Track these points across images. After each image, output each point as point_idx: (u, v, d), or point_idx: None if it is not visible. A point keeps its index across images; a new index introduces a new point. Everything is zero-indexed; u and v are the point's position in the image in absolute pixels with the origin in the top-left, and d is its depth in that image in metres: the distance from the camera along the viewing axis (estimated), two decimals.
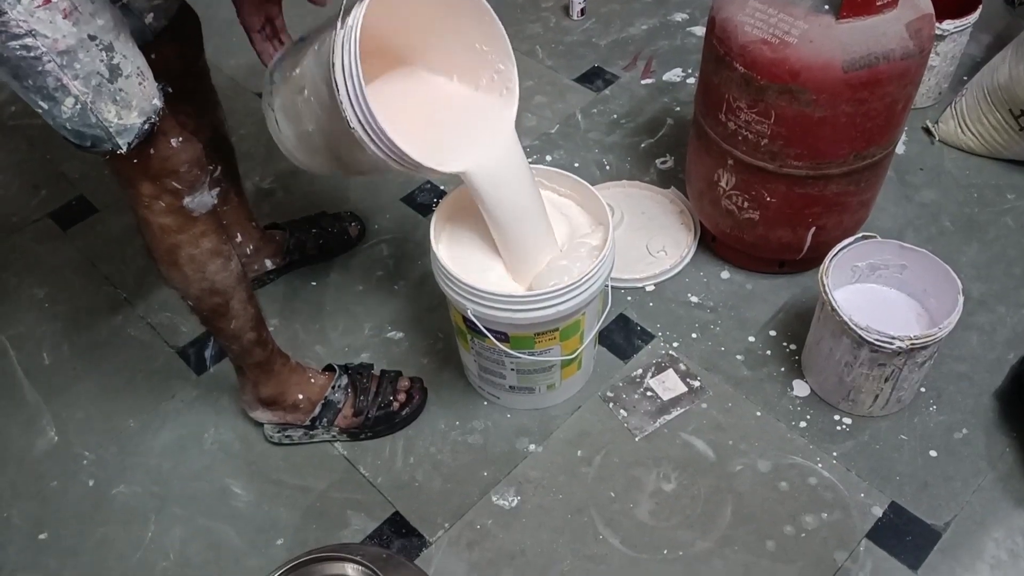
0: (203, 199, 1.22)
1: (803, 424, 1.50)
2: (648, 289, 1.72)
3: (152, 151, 1.12)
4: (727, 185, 1.57)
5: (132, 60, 1.05)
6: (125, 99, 1.05)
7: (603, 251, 1.33)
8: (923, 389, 1.52)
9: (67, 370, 1.67)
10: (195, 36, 1.44)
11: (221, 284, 1.28)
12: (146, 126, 1.08)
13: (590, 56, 2.28)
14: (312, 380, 1.49)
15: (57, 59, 0.97)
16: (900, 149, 1.94)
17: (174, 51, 1.36)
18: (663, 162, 1.97)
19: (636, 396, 1.55)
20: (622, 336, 1.65)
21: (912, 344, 1.32)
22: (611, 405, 1.54)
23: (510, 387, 1.48)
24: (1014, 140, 1.84)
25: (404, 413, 1.52)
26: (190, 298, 1.29)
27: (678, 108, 2.10)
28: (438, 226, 1.38)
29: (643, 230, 1.81)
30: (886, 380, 1.41)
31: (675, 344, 1.63)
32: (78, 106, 1.02)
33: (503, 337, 1.36)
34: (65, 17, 0.96)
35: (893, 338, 1.32)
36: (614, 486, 1.44)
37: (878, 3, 1.30)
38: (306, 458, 1.50)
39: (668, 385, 1.57)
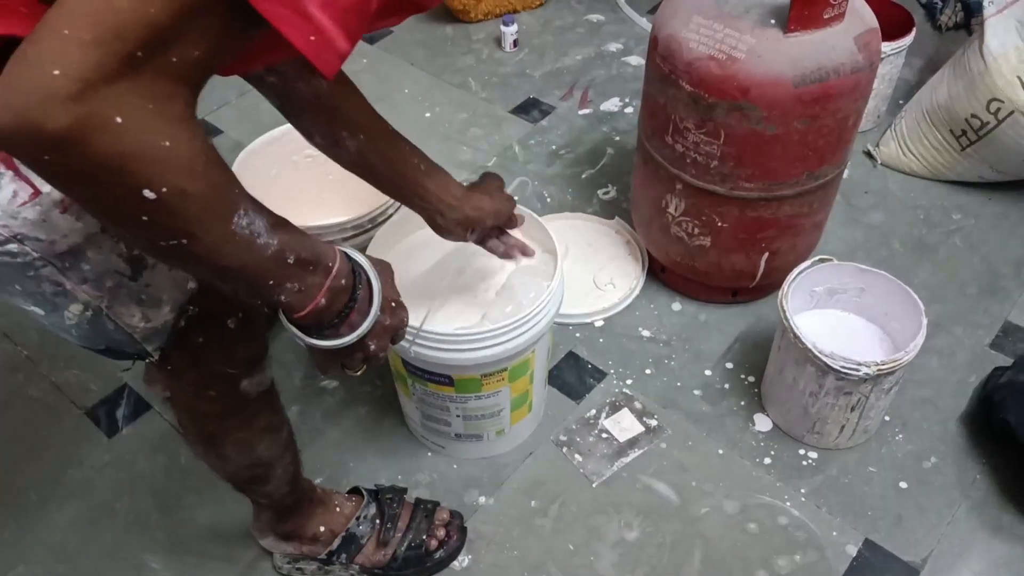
0: (263, 378, 0.98)
1: (768, 460, 1.41)
2: (597, 324, 1.63)
3: (201, 339, 0.87)
4: (676, 211, 1.49)
5: None
6: (153, 296, 0.81)
7: (553, 281, 1.23)
8: (887, 417, 1.46)
9: None
10: None
11: (267, 457, 1.07)
12: (182, 322, 0.84)
13: (525, 87, 2.21)
14: (337, 509, 1.26)
15: (57, 262, 0.74)
16: (844, 173, 1.91)
17: None
18: (605, 192, 1.90)
19: (591, 439, 1.45)
20: (573, 375, 1.55)
21: (879, 370, 1.25)
22: (565, 450, 1.43)
23: (456, 435, 1.37)
24: (956, 160, 1.82)
25: (438, 556, 1.28)
26: (222, 473, 1.09)
27: (618, 137, 2.04)
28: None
29: (589, 263, 1.73)
30: (852, 409, 1.33)
31: (629, 381, 1.54)
32: (88, 312, 0.78)
33: (447, 381, 1.25)
34: (64, 211, 0.71)
35: (860, 364, 1.25)
36: (573, 538, 1.33)
37: (825, 16, 1.25)
38: (233, 526, 1.35)
39: (624, 425, 1.47)
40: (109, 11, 0.50)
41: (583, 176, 1.95)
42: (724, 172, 1.38)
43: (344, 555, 1.24)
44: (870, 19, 1.34)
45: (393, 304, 0.82)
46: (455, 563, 1.30)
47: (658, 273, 1.70)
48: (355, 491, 1.31)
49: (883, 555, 1.30)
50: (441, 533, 1.29)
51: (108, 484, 1.42)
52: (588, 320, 1.63)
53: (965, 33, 2.26)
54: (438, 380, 1.25)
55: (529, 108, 2.14)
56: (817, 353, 1.27)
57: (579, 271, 1.71)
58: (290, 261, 0.69)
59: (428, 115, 2.13)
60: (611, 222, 1.81)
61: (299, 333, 0.76)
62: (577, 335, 1.62)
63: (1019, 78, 1.66)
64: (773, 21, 1.27)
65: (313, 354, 0.79)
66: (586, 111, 2.13)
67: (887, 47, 1.81)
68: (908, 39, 1.86)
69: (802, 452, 1.42)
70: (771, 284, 1.58)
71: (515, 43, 2.33)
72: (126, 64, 0.52)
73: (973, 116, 1.74)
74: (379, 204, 1.45)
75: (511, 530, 1.34)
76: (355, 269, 0.77)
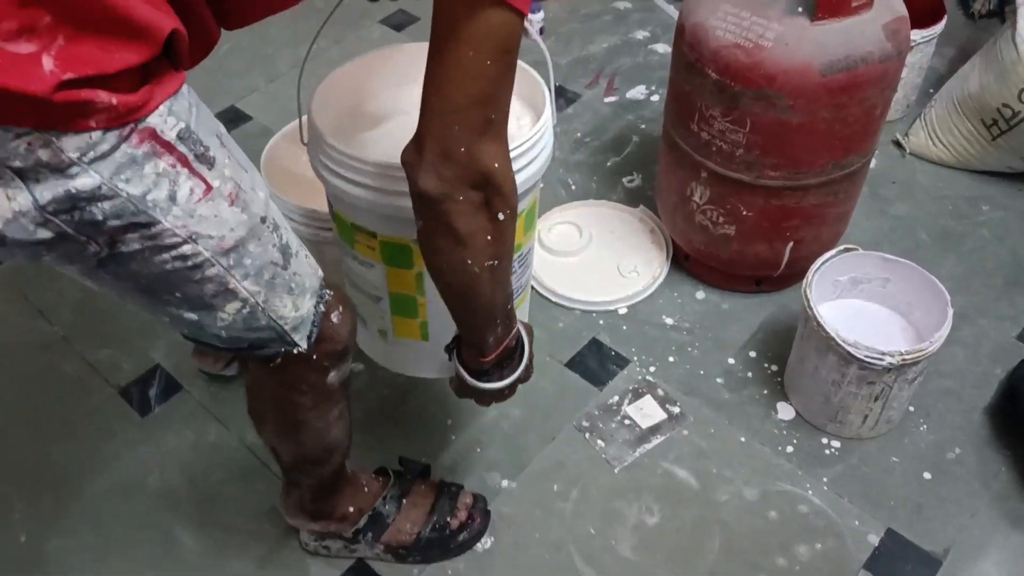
0: (345, 370, 1.03)
1: (790, 448, 1.42)
2: (621, 312, 1.64)
3: (312, 335, 0.94)
4: (701, 199, 1.50)
5: (288, 227, 0.87)
6: (299, 284, 0.87)
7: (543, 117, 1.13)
8: (911, 408, 1.46)
9: None
10: None
11: (335, 442, 1.12)
12: (320, 306, 0.92)
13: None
14: (365, 488, 1.28)
15: (223, 261, 0.77)
16: (871, 163, 1.90)
17: None
18: (630, 180, 1.90)
19: (613, 425, 1.46)
20: (595, 361, 1.56)
21: (903, 360, 1.25)
22: (587, 435, 1.45)
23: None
24: (986, 150, 1.81)
25: (461, 538, 1.30)
26: (289, 458, 1.13)
27: (643, 125, 2.04)
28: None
29: (613, 250, 1.74)
30: (875, 399, 1.34)
31: (652, 368, 1.54)
32: (245, 310, 0.83)
33: (331, 210, 1.18)
34: (231, 204, 0.76)
35: (883, 354, 1.25)
36: (593, 521, 1.34)
37: (854, 4, 1.25)
38: (260, 503, 1.38)
39: (646, 412, 1.48)
40: (478, 99, 0.74)
41: (608, 164, 1.95)
42: (749, 160, 1.38)
43: (370, 533, 1.27)
44: (899, 7, 1.33)
45: (524, 376, 1.05)
46: (478, 545, 1.32)
47: (682, 261, 1.70)
48: (381, 471, 1.33)
49: (904, 545, 1.30)
50: (464, 515, 1.30)
51: (139, 460, 1.45)
52: (611, 307, 1.64)
53: (999, 21, 2.23)
54: (330, 207, 1.18)
55: (555, 96, 2.14)
56: (840, 342, 1.27)
57: (603, 258, 1.72)
58: (508, 308, 0.95)
59: None
60: (635, 210, 1.81)
61: (465, 374, 1.02)
62: (600, 322, 1.63)
63: None
64: (800, 9, 1.27)
65: (463, 387, 1.05)
66: (612, 99, 2.13)
67: (917, 35, 1.79)
68: (939, 27, 1.85)
69: (824, 441, 1.43)
70: (795, 274, 1.58)
71: (541, 31, 2.33)
72: (491, 127, 0.76)
73: (1004, 106, 1.72)
74: None
75: (532, 512, 1.35)
76: (520, 339, 1.02)
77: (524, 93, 1.23)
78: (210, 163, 0.73)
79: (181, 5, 0.70)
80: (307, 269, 0.89)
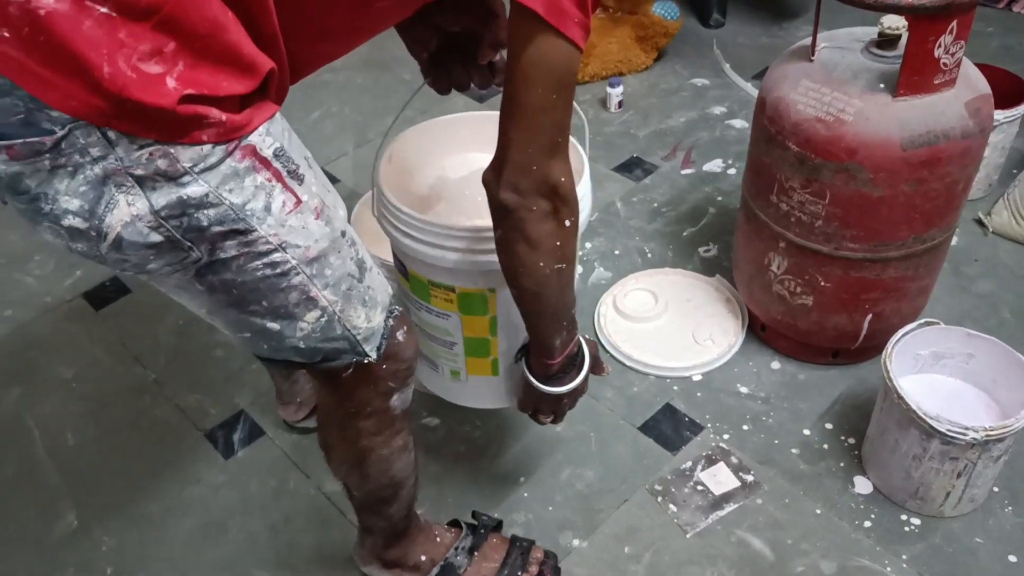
0: (407, 395, 1.07)
1: (868, 524, 1.39)
2: (695, 379, 1.65)
3: (378, 355, 0.98)
4: (779, 269, 1.51)
5: (363, 245, 0.94)
6: (372, 297, 0.93)
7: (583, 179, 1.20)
8: (996, 488, 1.42)
9: (91, 452, 1.60)
10: None
11: (400, 475, 1.14)
12: (390, 321, 0.97)
13: (629, 147, 2.27)
14: (438, 539, 1.30)
15: (307, 270, 0.84)
16: (953, 240, 1.89)
17: None
18: (706, 250, 1.93)
19: (686, 490, 1.46)
20: (670, 427, 1.57)
21: (988, 435, 1.23)
22: (660, 499, 1.45)
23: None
24: None
25: None
26: (359, 492, 1.16)
27: (720, 198, 2.07)
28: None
29: (689, 318, 1.75)
30: (958, 476, 1.31)
31: (726, 436, 1.54)
32: (323, 319, 0.88)
33: (403, 270, 1.25)
34: (317, 217, 0.83)
35: (967, 428, 1.24)
36: None
37: (936, 81, 1.28)
38: (336, 552, 1.41)
39: (720, 479, 1.47)
40: (547, 127, 0.88)
41: (684, 234, 1.98)
42: (828, 232, 1.40)
43: None
44: (982, 86, 1.35)
45: (585, 386, 1.19)
46: None
47: (758, 331, 1.71)
48: (454, 523, 1.35)
49: None
50: (535, 570, 1.31)
51: (222, 503, 1.50)
52: (686, 374, 1.65)
53: None
54: (401, 268, 1.25)
55: (632, 167, 2.20)
56: (922, 415, 1.26)
57: (679, 325, 1.74)
58: (572, 312, 1.08)
59: None
60: (711, 279, 1.83)
61: (532, 379, 1.15)
62: (675, 388, 1.63)
63: None
64: (882, 86, 1.30)
65: (529, 394, 1.19)
66: (689, 171, 2.17)
67: (1000, 115, 1.80)
68: (1021, 108, 1.85)
69: (904, 518, 1.40)
70: (873, 347, 1.57)
71: (620, 104, 2.40)
72: (558, 148, 0.90)
73: None
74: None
75: (604, 574, 1.35)
76: (580, 346, 1.16)
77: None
78: (300, 179, 0.81)
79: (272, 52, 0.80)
80: (379, 284, 0.96)
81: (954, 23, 1.22)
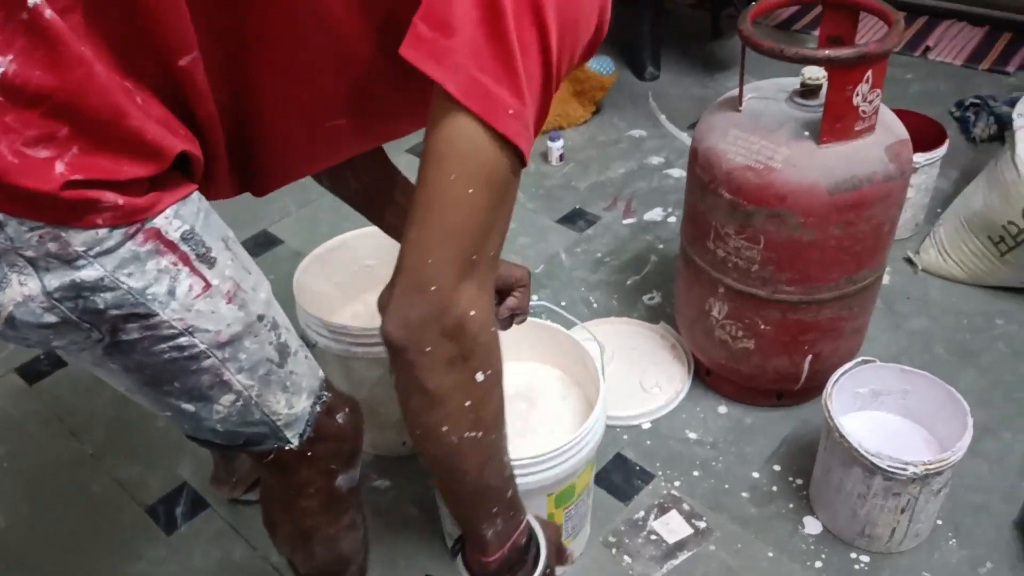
0: (354, 474, 1.03)
1: (819, 564, 1.40)
2: (644, 427, 1.66)
3: (314, 436, 0.94)
4: (719, 314, 1.54)
5: (290, 328, 0.89)
6: (296, 383, 0.89)
7: (593, 414, 1.25)
8: (940, 522, 1.44)
9: (24, 532, 1.54)
10: None
11: (348, 552, 1.11)
12: (317, 407, 0.92)
13: (570, 198, 2.30)
14: None
15: (219, 353, 0.80)
16: (885, 280, 1.94)
17: None
18: (650, 298, 1.95)
19: (640, 540, 1.45)
20: (621, 476, 1.56)
21: (927, 469, 1.26)
22: (614, 551, 1.44)
23: None
24: (996, 267, 1.85)
25: None
26: (305, 570, 1.12)
27: (661, 246, 2.11)
28: None
29: (635, 366, 1.77)
30: (902, 511, 1.33)
31: (677, 483, 1.55)
32: (239, 403, 0.85)
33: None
34: (229, 301, 0.79)
35: (907, 463, 1.26)
36: None
37: (856, 128, 1.33)
38: None
39: (672, 527, 1.47)
40: (457, 231, 0.68)
41: (628, 283, 2.01)
42: (765, 276, 1.43)
43: None
44: (900, 131, 1.41)
45: (550, 573, 0.94)
46: None
47: (703, 376, 1.73)
48: None
49: None
50: None
51: None
52: (635, 422, 1.66)
53: (999, 144, 2.32)
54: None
55: (575, 218, 2.23)
56: (863, 452, 1.28)
57: (625, 374, 1.75)
58: (508, 495, 0.85)
59: None
60: (656, 326, 1.85)
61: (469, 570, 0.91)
62: (624, 437, 1.64)
63: None
64: (807, 133, 1.35)
65: None
66: (630, 220, 2.21)
67: (920, 158, 1.87)
68: (941, 151, 1.93)
69: (853, 556, 1.41)
70: (815, 387, 1.59)
71: (561, 157, 2.44)
72: (471, 267, 0.69)
73: (1010, 223, 1.77)
74: None
75: None
76: (531, 534, 0.91)
77: (578, 376, 1.41)
78: (211, 263, 0.77)
79: (208, 157, 0.78)
80: (305, 370, 0.91)
81: (869, 72, 1.28)
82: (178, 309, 0.76)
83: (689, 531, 1.46)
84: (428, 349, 0.69)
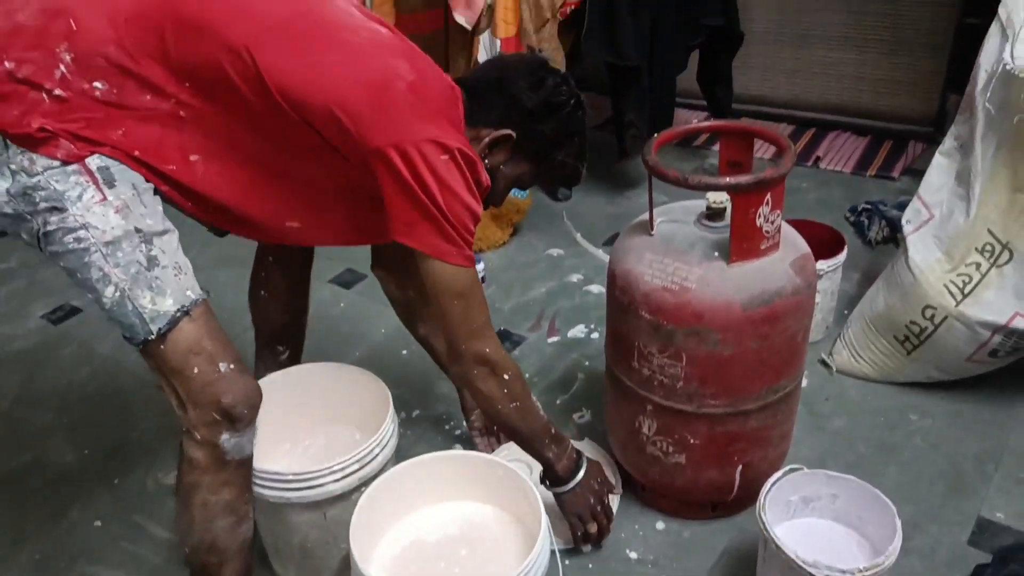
0: (241, 444, 1.25)
1: None
2: (585, 550, 1.64)
3: (196, 371, 1.19)
4: (649, 431, 1.56)
5: (171, 256, 1.19)
6: (160, 286, 1.17)
7: (535, 548, 1.26)
8: None
9: None
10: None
11: (223, 543, 1.28)
12: (179, 314, 1.18)
13: (495, 320, 2.29)
14: None
15: (103, 249, 1.13)
16: (803, 382, 2.01)
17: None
18: (580, 416, 1.97)
19: None
20: None
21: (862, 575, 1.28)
22: None
23: None
24: (904, 364, 1.94)
25: None
26: (187, 544, 1.30)
27: (587, 363, 2.15)
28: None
29: None
30: None
31: None
32: (117, 294, 1.15)
33: None
34: (116, 212, 1.14)
35: (843, 572, 1.28)
36: None
37: (762, 247, 1.40)
38: None
39: None
40: (461, 320, 1.32)
41: (558, 402, 2.03)
42: (689, 392, 1.47)
43: None
44: (802, 246, 1.49)
45: (594, 483, 1.54)
46: None
47: (639, 492, 1.74)
48: None
49: None
50: None
51: None
52: (573, 546, 1.64)
53: (893, 246, 2.47)
54: None
55: (501, 340, 2.24)
56: (801, 563, 1.30)
57: None
58: (552, 431, 1.48)
59: (404, 352, 2.23)
60: (582, 443, 1.86)
61: (554, 489, 1.52)
62: (566, 562, 1.62)
63: (946, 286, 1.82)
64: (716, 253, 1.42)
65: (564, 508, 1.54)
66: (555, 339, 2.25)
67: (824, 265, 1.97)
68: (841, 257, 2.04)
69: None
70: (749, 496, 1.62)
71: (483, 279, 2.48)
72: (475, 330, 1.35)
73: (912, 323, 1.87)
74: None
75: None
76: (579, 453, 1.53)
77: (519, 511, 1.43)
78: (111, 186, 1.15)
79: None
80: (171, 281, 1.18)
81: (768, 196, 1.36)
82: (81, 208, 1.13)
83: None
84: (475, 372, 1.36)
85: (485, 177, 1.35)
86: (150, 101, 1.18)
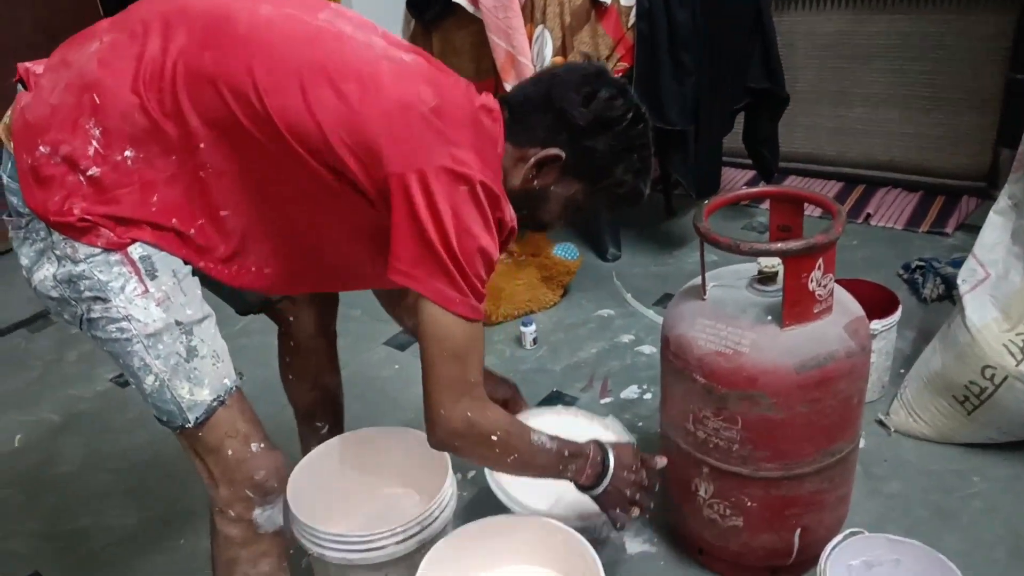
0: (273, 516, 1.27)
1: None
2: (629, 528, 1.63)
3: (230, 452, 1.22)
4: (706, 494, 1.57)
5: (209, 344, 1.21)
6: (198, 377, 1.19)
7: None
8: None
9: None
10: (332, 304, 1.73)
11: None
12: (215, 403, 1.20)
13: (547, 382, 2.36)
14: None
15: (145, 341, 1.16)
16: (860, 443, 1.99)
17: (312, 313, 1.67)
18: None
19: None
20: None
21: None
22: None
23: None
24: (964, 424, 1.92)
25: None
26: None
27: (640, 423, 2.15)
28: None
29: None
30: None
31: None
32: (157, 383, 1.17)
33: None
34: (158, 305, 1.16)
35: None
36: None
37: (815, 310, 1.42)
38: None
39: None
40: (463, 374, 1.21)
41: None
42: (744, 455, 1.47)
43: None
44: (856, 309, 1.50)
45: (627, 474, 1.45)
46: None
47: (696, 555, 1.73)
48: None
49: None
50: None
51: None
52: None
53: (948, 303, 2.45)
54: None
55: (554, 400, 2.28)
56: None
57: None
58: (564, 454, 1.37)
59: None
60: (607, 419, 1.90)
61: (588, 493, 1.43)
62: None
63: (1004, 346, 1.80)
64: (769, 317, 1.44)
65: (601, 504, 1.45)
66: (607, 400, 2.26)
67: (878, 325, 1.97)
68: (896, 316, 2.03)
69: None
70: (808, 560, 1.60)
71: (535, 340, 2.52)
72: (464, 393, 1.22)
73: (971, 383, 1.86)
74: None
75: None
76: (604, 454, 1.42)
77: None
78: (153, 278, 1.17)
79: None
80: (210, 371, 1.20)
81: (820, 260, 1.38)
82: (124, 300, 1.15)
83: None
84: (456, 444, 1.25)
85: (510, 216, 1.25)
86: (175, 162, 1.16)
